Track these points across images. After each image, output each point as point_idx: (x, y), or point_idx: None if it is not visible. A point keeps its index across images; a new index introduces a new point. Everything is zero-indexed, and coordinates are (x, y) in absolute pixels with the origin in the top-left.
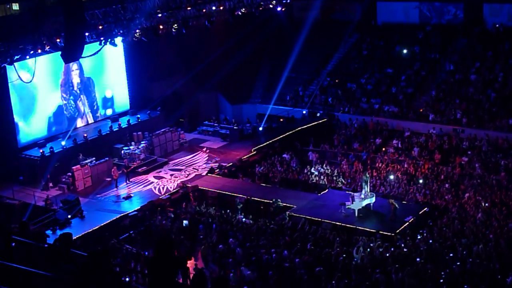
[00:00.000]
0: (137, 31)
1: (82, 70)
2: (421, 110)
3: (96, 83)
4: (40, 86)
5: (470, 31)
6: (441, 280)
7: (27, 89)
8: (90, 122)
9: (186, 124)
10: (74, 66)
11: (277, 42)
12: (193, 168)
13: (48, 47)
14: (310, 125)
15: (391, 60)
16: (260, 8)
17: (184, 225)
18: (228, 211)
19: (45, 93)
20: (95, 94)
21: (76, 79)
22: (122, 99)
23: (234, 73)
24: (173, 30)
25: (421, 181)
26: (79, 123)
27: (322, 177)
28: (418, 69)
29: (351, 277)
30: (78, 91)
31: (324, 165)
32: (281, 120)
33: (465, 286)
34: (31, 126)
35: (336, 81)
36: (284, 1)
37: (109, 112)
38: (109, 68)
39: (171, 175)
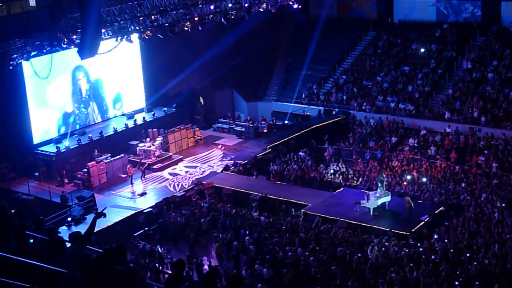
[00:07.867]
0: (153, 28)
1: (88, 75)
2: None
3: (107, 82)
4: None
5: (487, 29)
6: (456, 282)
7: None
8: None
9: (201, 121)
10: (80, 74)
11: (293, 40)
12: (208, 165)
13: (65, 43)
14: (325, 123)
15: (408, 58)
16: (277, 5)
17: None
18: (243, 209)
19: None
20: (104, 95)
21: (84, 86)
22: (137, 96)
23: (250, 70)
24: (189, 27)
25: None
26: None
27: (337, 175)
28: (434, 67)
29: (366, 276)
30: (87, 97)
31: (340, 163)
32: (305, 115)
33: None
34: (45, 124)
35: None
36: None
37: (119, 113)
38: (123, 65)
39: (186, 172)
